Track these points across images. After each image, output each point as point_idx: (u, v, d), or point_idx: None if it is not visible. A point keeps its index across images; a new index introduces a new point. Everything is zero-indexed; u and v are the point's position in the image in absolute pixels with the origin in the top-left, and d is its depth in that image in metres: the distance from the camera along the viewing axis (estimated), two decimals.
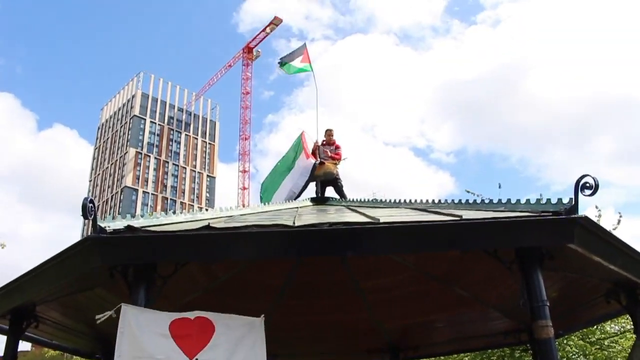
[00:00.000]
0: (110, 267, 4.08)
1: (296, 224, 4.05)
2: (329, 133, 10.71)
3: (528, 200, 4.45)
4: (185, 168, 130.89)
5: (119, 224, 4.08)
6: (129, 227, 3.98)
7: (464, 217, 4.07)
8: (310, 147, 10.14)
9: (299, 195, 9.34)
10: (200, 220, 4.98)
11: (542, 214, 4.00)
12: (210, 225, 4.14)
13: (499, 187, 16.22)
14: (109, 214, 4.35)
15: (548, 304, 4.02)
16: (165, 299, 6.04)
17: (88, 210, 3.72)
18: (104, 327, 5.35)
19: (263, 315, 4.11)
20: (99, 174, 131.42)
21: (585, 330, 12.08)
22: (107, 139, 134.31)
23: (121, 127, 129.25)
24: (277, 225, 4.00)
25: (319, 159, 9.87)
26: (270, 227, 4.00)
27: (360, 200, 7.81)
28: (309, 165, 9.50)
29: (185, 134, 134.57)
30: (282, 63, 11.51)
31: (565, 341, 12.28)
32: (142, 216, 4.54)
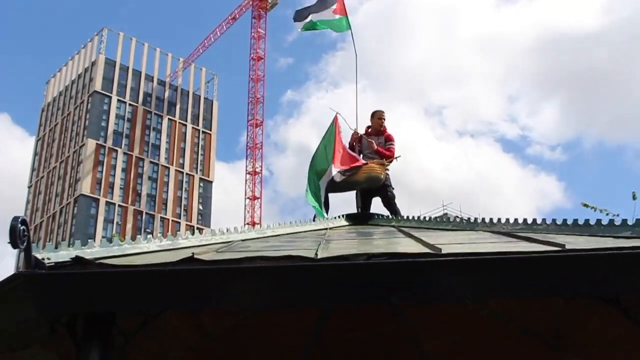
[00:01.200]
0: (51, 318, 4.16)
1: (320, 256, 4.07)
2: (378, 117, 10.77)
3: None
4: (169, 168, 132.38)
5: (64, 254, 4.14)
6: (77, 260, 4.04)
7: (568, 246, 4.05)
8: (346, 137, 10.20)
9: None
10: (183, 248, 5.05)
11: None
12: (196, 256, 4.18)
13: (634, 198, 15.97)
14: (54, 239, 4.44)
15: None
16: None
17: (18, 235, 3.76)
18: None
19: None
20: (42, 177, 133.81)
21: None
22: (55, 125, 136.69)
23: (75, 108, 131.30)
24: (291, 258, 4.03)
25: (360, 157, 9.91)
26: (281, 259, 4.03)
27: (420, 219, 7.81)
28: (337, 171, 9.53)
29: (169, 119, 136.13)
30: (300, 18, 11.58)
31: None
32: (106, 241, 4.62)
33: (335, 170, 9.47)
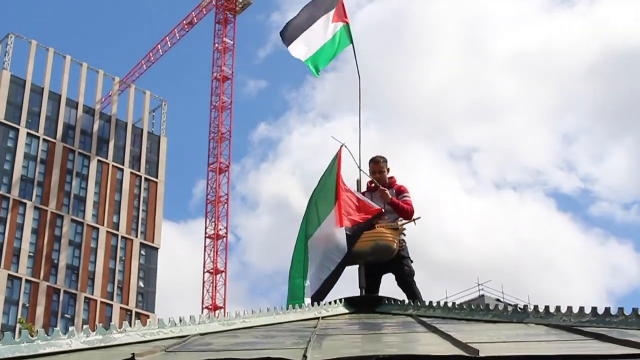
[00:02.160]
0: None
1: (310, 359, 4.07)
2: (378, 165, 10.81)
3: None
4: (97, 229, 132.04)
5: None
6: None
7: None
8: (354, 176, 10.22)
9: (333, 281, 9.37)
10: (119, 346, 5.04)
11: None
12: (137, 359, 4.19)
13: None
14: None
15: None
16: None
17: None
18: None
19: None
20: None
21: None
22: None
23: None
24: None
25: (373, 204, 9.94)
26: None
27: (448, 305, 7.82)
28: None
29: (99, 160, 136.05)
30: (291, 37, 11.70)
31: None
32: (10, 336, 4.61)
33: (337, 229, 9.47)
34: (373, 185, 10.63)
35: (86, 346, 4.99)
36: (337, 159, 10.13)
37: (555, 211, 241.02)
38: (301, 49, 11.57)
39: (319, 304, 8.41)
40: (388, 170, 10.73)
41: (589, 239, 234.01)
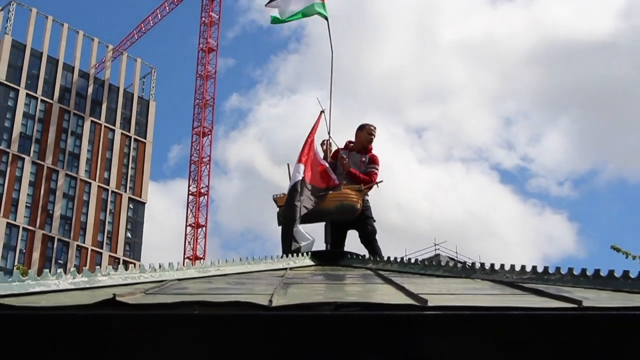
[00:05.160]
0: None
1: (275, 303, 4.09)
2: (368, 132, 10.84)
3: None
4: (90, 184, 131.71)
5: None
6: None
7: (586, 303, 4.11)
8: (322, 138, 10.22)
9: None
10: (103, 287, 5.05)
11: None
12: (118, 299, 4.18)
13: None
14: None
15: None
16: None
17: None
18: None
19: None
20: None
21: None
22: None
23: None
24: (239, 305, 4.05)
25: (334, 177, 9.95)
26: (226, 307, 4.04)
27: (402, 261, 7.86)
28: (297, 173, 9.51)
29: (92, 121, 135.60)
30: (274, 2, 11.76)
31: None
32: (3, 276, 4.61)
33: (301, 173, 9.48)
34: (352, 146, 10.67)
35: (72, 287, 5.00)
36: (316, 122, 10.18)
37: (497, 184, 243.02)
38: (278, 9, 11.65)
39: (287, 255, 8.47)
40: (373, 138, 10.77)
41: (527, 209, 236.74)
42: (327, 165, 9.98)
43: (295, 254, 8.59)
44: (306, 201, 9.31)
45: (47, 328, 4.01)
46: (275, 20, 11.47)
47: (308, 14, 11.52)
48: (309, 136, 9.96)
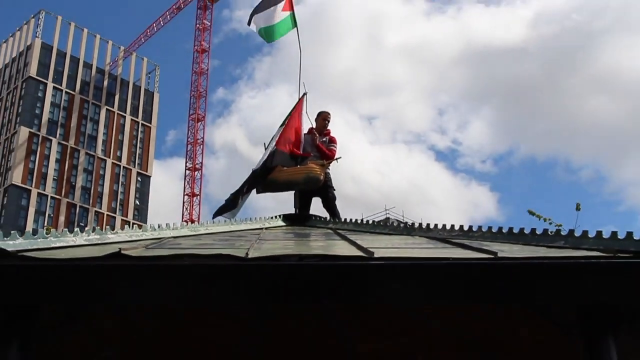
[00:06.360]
0: None
1: (250, 255, 4.09)
2: (323, 117, 10.83)
3: (600, 232, 4.52)
4: (105, 160, 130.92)
5: None
6: None
7: (500, 254, 4.14)
8: (306, 122, 10.19)
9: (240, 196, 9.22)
10: (111, 244, 5.03)
11: (618, 255, 4.07)
12: (123, 252, 4.18)
13: (578, 209, 16.24)
14: None
15: None
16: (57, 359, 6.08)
17: None
18: None
19: None
20: None
21: None
22: None
23: (8, 94, 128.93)
24: (221, 257, 4.05)
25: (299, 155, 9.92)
26: (211, 258, 4.05)
27: (357, 222, 7.89)
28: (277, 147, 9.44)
29: (107, 109, 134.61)
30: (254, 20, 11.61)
31: None
32: (30, 234, 4.58)
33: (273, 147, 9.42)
34: (311, 131, 10.64)
35: (86, 242, 4.97)
36: (298, 103, 10.19)
37: (433, 161, 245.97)
38: (258, 23, 11.57)
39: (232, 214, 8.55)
40: (328, 122, 10.76)
41: (457, 181, 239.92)
42: (303, 136, 10.01)
43: (270, 218, 8.64)
44: (277, 172, 9.32)
45: (64, 276, 4.00)
46: (262, 34, 11.44)
47: (284, 33, 11.49)
48: (294, 111, 9.96)
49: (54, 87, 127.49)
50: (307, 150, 10.09)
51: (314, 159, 9.96)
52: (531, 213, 16.25)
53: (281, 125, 9.91)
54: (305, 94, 10.34)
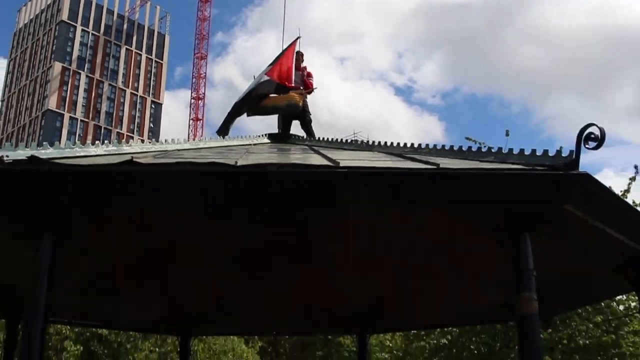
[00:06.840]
0: (6, 208, 4.08)
1: (239, 164, 4.06)
2: (297, 57, 10.66)
3: (522, 150, 4.52)
4: (125, 90, 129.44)
5: (22, 153, 4.06)
6: (32, 159, 3.95)
7: (442, 165, 4.14)
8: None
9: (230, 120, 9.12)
10: (124, 154, 4.98)
11: (536, 167, 4.09)
12: (134, 160, 4.13)
13: (507, 134, 16.33)
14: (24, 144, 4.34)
15: (535, 275, 4.13)
16: (86, 255, 5.97)
17: None
18: (6, 278, 5.37)
19: None
20: (14, 93, 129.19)
21: (590, 309, 12.51)
22: (26, 48, 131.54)
23: (44, 34, 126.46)
24: (215, 164, 4.03)
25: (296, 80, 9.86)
26: (207, 166, 4.03)
27: (329, 140, 7.85)
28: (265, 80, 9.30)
29: (126, 48, 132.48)
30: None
31: (567, 321, 12.73)
32: (59, 145, 4.54)
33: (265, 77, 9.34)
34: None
35: (105, 153, 4.94)
36: (292, 44, 10.07)
37: (393, 96, 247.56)
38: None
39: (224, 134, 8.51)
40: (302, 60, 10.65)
41: (412, 112, 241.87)
42: (293, 72, 9.91)
43: (258, 136, 8.60)
44: (265, 100, 9.24)
45: (86, 179, 3.98)
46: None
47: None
48: (288, 51, 9.82)
49: (82, 30, 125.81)
50: (297, 83, 10.00)
51: (295, 90, 9.89)
52: (468, 139, 16.38)
53: (271, 63, 9.79)
54: (298, 37, 10.25)
